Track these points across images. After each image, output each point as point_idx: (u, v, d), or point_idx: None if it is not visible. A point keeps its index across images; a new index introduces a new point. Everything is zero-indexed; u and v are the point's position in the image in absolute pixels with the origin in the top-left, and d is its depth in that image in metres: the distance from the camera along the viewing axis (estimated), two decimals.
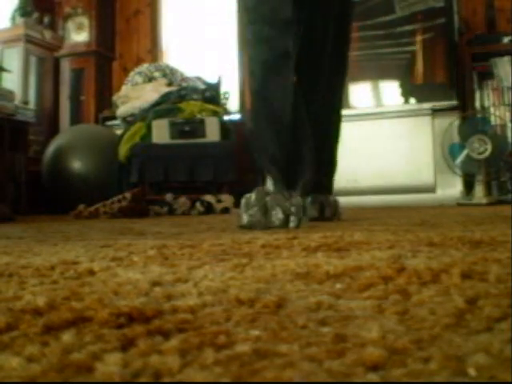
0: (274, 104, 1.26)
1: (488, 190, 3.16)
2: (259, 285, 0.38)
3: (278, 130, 1.27)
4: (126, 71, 4.44)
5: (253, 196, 1.15)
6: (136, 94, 3.75)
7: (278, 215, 1.12)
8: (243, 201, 1.16)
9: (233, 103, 3.68)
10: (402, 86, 3.51)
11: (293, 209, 1.14)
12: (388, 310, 0.29)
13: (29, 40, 4.11)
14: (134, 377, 0.20)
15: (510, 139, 3.24)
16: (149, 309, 0.30)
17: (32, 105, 4.03)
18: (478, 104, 3.44)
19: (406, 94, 3.49)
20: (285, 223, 1.12)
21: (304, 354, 0.22)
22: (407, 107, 3.39)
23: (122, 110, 3.75)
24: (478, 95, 3.45)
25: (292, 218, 1.13)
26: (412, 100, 3.45)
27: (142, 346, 0.23)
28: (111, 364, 0.21)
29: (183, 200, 3.03)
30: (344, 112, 3.70)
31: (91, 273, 0.47)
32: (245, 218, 1.14)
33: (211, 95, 3.50)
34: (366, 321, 0.27)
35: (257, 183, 1.37)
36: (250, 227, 1.12)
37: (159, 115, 3.38)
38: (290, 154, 1.27)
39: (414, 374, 0.19)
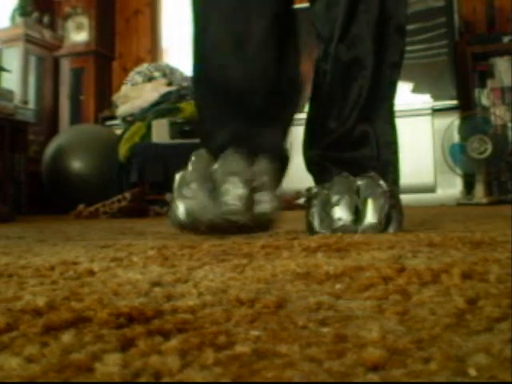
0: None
1: (488, 190, 3.17)
2: (259, 285, 0.38)
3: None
4: (125, 71, 4.44)
5: (190, 167, 0.72)
6: (136, 93, 3.75)
7: (235, 192, 0.67)
8: (177, 178, 0.73)
9: None
10: (402, 85, 3.51)
11: (262, 179, 0.71)
12: (388, 311, 0.29)
13: (28, 40, 4.11)
14: (134, 377, 0.19)
15: (510, 139, 3.24)
16: (149, 309, 0.30)
17: (32, 105, 4.04)
18: (478, 104, 3.44)
19: (406, 93, 3.49)
20: (248, 205, 0.68)
21: (304, 354, 0.22)
22: (407, 107, 3.38)
23: (121, 110, 3.76)
24: (478, 95, 3.45)
25: (263, 197, 0.70)
26: (412, 100, 3.45)
27: (141, 346, 0.23)
28: (111, 364, 0.21)
29: None
30: None
31: (91, 273, 0.47)
32: (179, 208, 0.69)
33: None
34: (366, 321, 0.27)
35: None
36: (186, 224, 0.70)
37: (159, 115, 3.38)
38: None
39: (414, 374, 0.19)
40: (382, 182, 0.82)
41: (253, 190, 0.69)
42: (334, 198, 0.79)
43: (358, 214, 0.79)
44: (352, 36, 0.92)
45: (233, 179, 0.68)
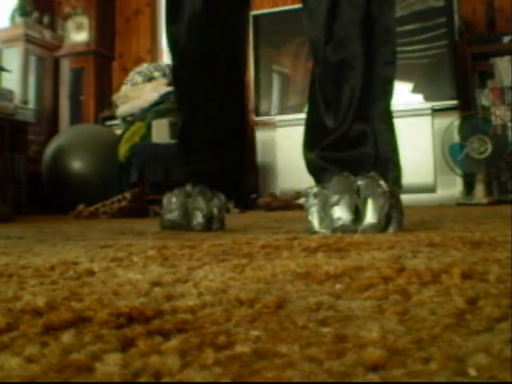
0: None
1: (488, 190, 3.17)
2: (259, 285, 0.38)
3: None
4: (125, 71, 4.44)
5: (173, 198, 1.13)
6: (136, 93, 3.75)
7: (197, 220, 1.09)
8: (164, 201, 1.15)
9: None
10: (402, 85, 3.51)
11: (215, 211, 1.11)
12: (388, 311, 0.29)
13: (28, 40, 4.11)
14: (134, 377, 0.19)
15: (510, 139, 3.24)
16: (149, 309, 0.30)
17: (31, 105, 4.04)
18: (478, 104, 3.44)
19: (406, 93, 3.49)
20: (206, 227, 1.09)
21: (304, 354, 0.22)
22: (407, 107, 3.39)
23: (121, 110, 3.76)
24: (478, 95, 3.45)
25: (214, 221, 1.11)
26: (412, 100, 3.45)
27: (141, 346, 0.23)
28: (111, 364, 0.21)
29: None
30: None
31: (91, 273, 0.47)
32: (166, 221, 1.12)
33: None
34: (366, 321, 0.27)
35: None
36: (171, 229, 1.12)
37: (159, 115, 3.39)
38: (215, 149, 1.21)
39: (414, 374, 0.19)
40: (382, 182, 0.83)
41: (209, 217, 1.10)
42: (334, 198, 0.82)
43: (357, 213, 0.81)
44: (337, 37, 0.94)
45: (196, 212, 1.10)
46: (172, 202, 1.13)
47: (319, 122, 0.98)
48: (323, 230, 0.82)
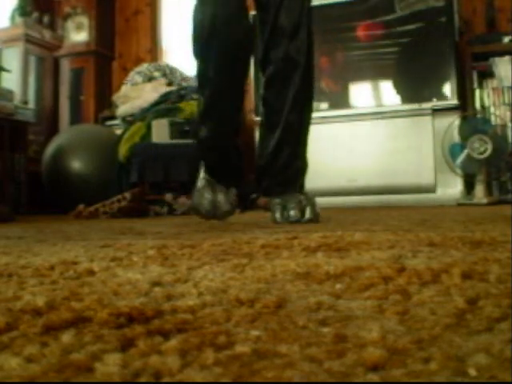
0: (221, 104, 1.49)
1: (488, 190, 3.16)
2: (259, 285, 0.38)
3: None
4: (125, 71, 4.44)
5: (205, 188, 1.49)
6: (136, 93, 3.75)
7: (224, 206, 1.49)
8: (198, 184, 1.51)
9: None
10: (402, 85, 3.51)
11: (234, 202, 1.50)
12: (388, 310, 0.29)
13: (28, 40, 4.11)
14: (134, 377, 0.19)
15: (510, 139, 3.24)
16: (149, 309, 0.30)
17: (31, 105, 4.03)
18: (478, 104, 3.44)
19: (406, 93, 3.49)
20: (231, 211, 1.50)
21: (304, 354, 0.22)
22: (407, 107, 3.38)
23: (121, 110, 3.76)
24: (478, 95, 3.45)
25: (237, 210, 1.49)
26: (412, 99, 3.45)
27: (141, 346, 0.23)
28: (111, 364, 0.21)
29: (183, 200, 3.03)
30: (344, 112, 3.68)
31: (91, 273, 0.47)
32: (200, 207, 1.48)
33: None
34: (366, 321, 0.27)
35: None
36: (203, 214, 1.48)
37: (159, 115, 3.38)
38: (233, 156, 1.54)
39: (414, 374, 0.19)
40: (305, 196, 1.42)
41: (232, 205, 1.49)
42: (292, 205, 1.38)
43: (303, 212, 1.37)
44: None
45: (222, 200, 1.48)
46: (203, 187, 1.49)
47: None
48: (282, 220, 1.35)
